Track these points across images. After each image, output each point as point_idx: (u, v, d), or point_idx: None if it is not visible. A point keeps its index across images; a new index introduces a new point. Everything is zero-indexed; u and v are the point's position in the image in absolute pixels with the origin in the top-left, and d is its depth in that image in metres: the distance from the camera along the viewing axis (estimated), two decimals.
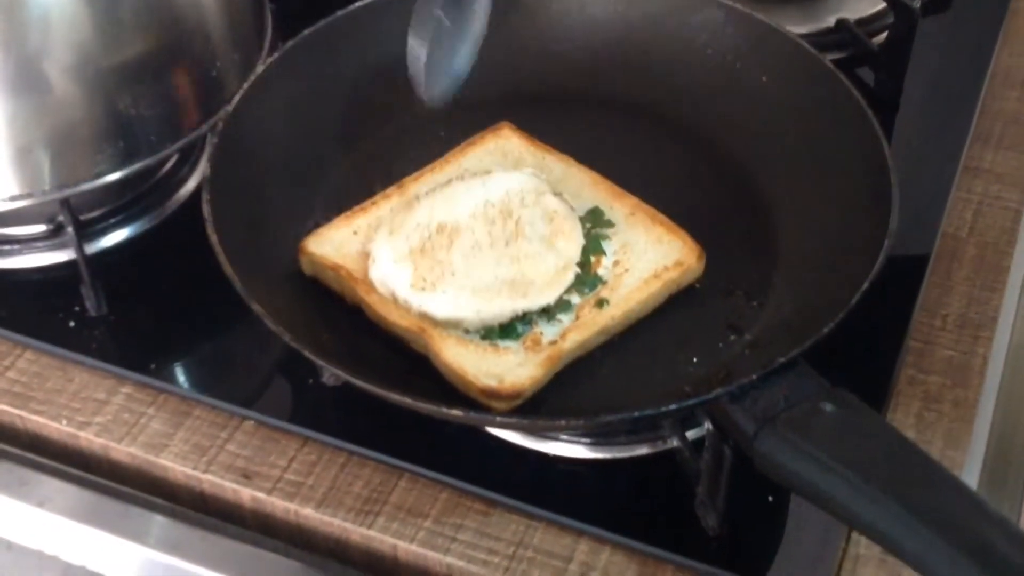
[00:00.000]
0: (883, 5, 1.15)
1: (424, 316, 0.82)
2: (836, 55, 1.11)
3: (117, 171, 0.92)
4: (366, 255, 0.86)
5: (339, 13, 0.96)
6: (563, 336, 0.82)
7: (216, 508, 0.85)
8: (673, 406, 0.74)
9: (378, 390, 0.74)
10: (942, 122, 1.08)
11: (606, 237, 0.88)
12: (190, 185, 1.02)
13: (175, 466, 0.85)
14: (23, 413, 0.88)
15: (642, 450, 0.85)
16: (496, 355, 0.81)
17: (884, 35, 1.12)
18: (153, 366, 0.90)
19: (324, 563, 0.83)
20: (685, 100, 0.98)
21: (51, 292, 0.95)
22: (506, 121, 0.96)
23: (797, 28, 1.00)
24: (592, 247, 0.87)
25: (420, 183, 0.91)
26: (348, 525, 0.82)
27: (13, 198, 0.91)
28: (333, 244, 0.87)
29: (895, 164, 0.85)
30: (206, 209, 0.81)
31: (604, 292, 0.85)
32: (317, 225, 0.89)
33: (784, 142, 0.93)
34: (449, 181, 0.90)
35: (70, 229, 0.92)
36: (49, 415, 0.87)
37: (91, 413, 0.87)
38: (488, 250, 0.84)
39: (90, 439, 0.86)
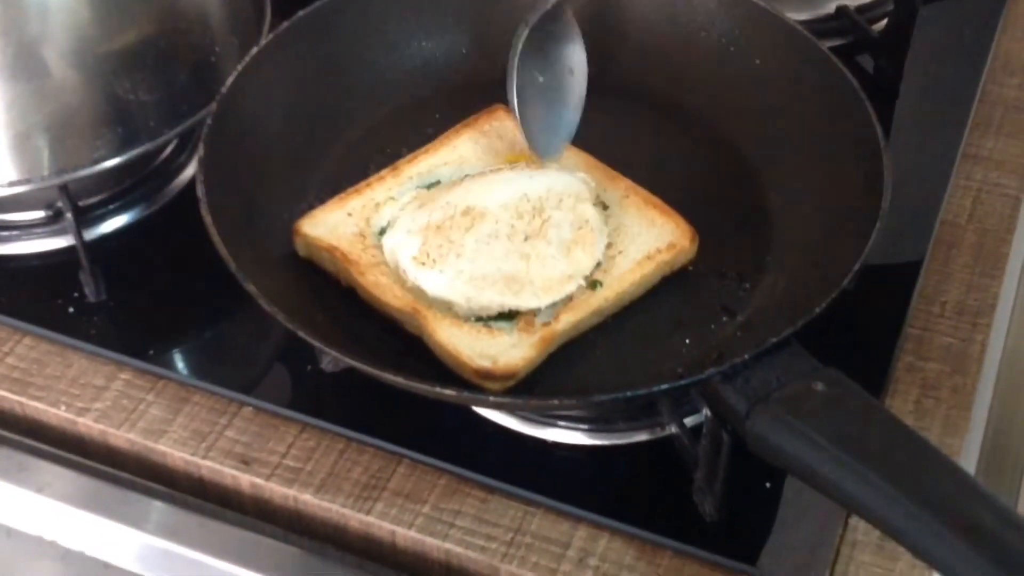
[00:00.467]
0: None
1: (417, 293, 0.83)
2: (836, 42, 1.10)
3: (116, 156, 0.92)
4: (361, 236, 0.87)
5: None
6: (556, 317, 0.82)
7: (215, 494, 0.85)
8: (665, 386, 0.74)
9: (372, 370, 0.74)
10: (942, 109, 1.08)
11: None
12: (189, 171, 1.02)
13: (174, 452, 0.85)
14: (22, 399, 0.88)
15: (640, 436, 0.85)
16: (490, 336, 0.81)
17: (884, 22, 1.12)
18: (152, 352, 0.90)
19: (322, 548, 0.83)
20: (679, 83, 0.98)
21: (50, 278, 0.95)
22: (500, 103, 0.95)
23: (797, 15, 0.99)
24: None
25: (414, 164, 0.92)
26: (347, 511, 0.82)
27: (12, 184, 0.91)
28: (327, 226, 0.87)
29: (891, 149, 0.85)
30: (200, 190, 0.81)
31: (598, 274, 0.85)
32: (312, 207, 0.89)
33: (778, 125, 0.93)
34: (500, 168, 0.91)
35: (69, 215, 0.93)
36: (48, 401, 0.87)
37: (90, 399, 0.87)
38: (504, 241, 0.85)
39: (89, 425, 0.86)
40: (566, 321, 0.82)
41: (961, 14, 1.17)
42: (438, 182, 0.91)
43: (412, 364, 0.80)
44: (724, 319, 0.84)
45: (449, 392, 0.75)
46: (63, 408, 0.87)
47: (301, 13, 0.95)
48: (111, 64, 0.89)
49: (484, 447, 0.85)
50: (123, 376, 0.89)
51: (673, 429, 0.84)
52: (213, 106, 0.88)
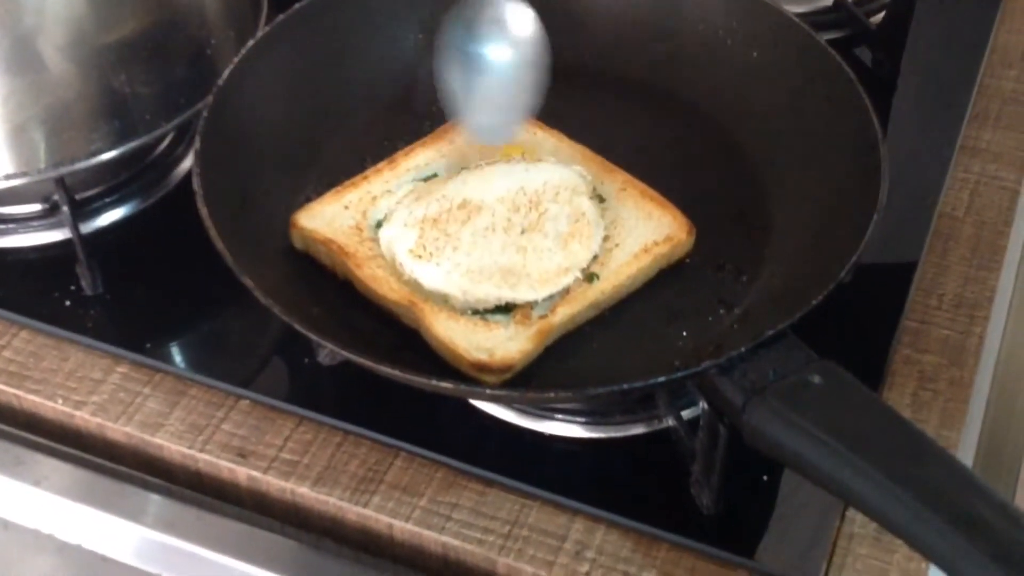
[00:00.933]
0: None
1: (414, 286, 0.83)
2: (834, 34, 1.11)
3: (112, 149, 0.92)
4: (357, 229, 0.87)
5: None
6: (553, 310, 0.82)
7: (212, 487, 0.85)
8: (662, 378, 0.74)
9: (369, 363, 0.74)
10: (940, 101, 1.08)
11: None
12: (186, 164, 1.02)
13: (171, 445, 0.85)
14: (19, 392, 0.88)
15: (637, 429, 0.85)
16: (487, 329, 0.81)
17: (882, 14, 1.12)
18: (149, 345, 0.90)
19: (320, 541, 0.83)
20: (676, 76, 0.98)
21: (47, 271, 0.95)
22: None
23: (795, 7, 1.00)
24: None
25: (411, 158, 0.92)
26: (344, 504, 0.81)
27: (8, 177, 0.91)
28: (324, 219, 0.87)
29: (890, 141, 0.85)
30: (196, 183, 0.81)
31: (594, 267, 0.85)
32: (308, 200, 0.89)
33: (775, 117, 0.93)
34: (496, 162, 0.91)
35: (65, 208, 0.92)
36: (45, 394, 0.87)
37: (87, 392, 0.87)
38: (500, 234, 0.85)
39: (86, 418, 0.86)
40: (563, 314, 0.82)
41: (958, 6, 1.17)
42: (435, 175, 0.91)
43: (409, 357, 0.80)
44: (721, 312, 0.84)
45: (446, 385, 0.75)
46: (60, 401, 0.87)
47: (297, 5, 0.94)
48: (107, 57, 0.89)
49: (481, 440, 0.85)
50: (120, 369, 0.89)
51: (670, 422, 0.84)
52: (209, 99, 0.88)
